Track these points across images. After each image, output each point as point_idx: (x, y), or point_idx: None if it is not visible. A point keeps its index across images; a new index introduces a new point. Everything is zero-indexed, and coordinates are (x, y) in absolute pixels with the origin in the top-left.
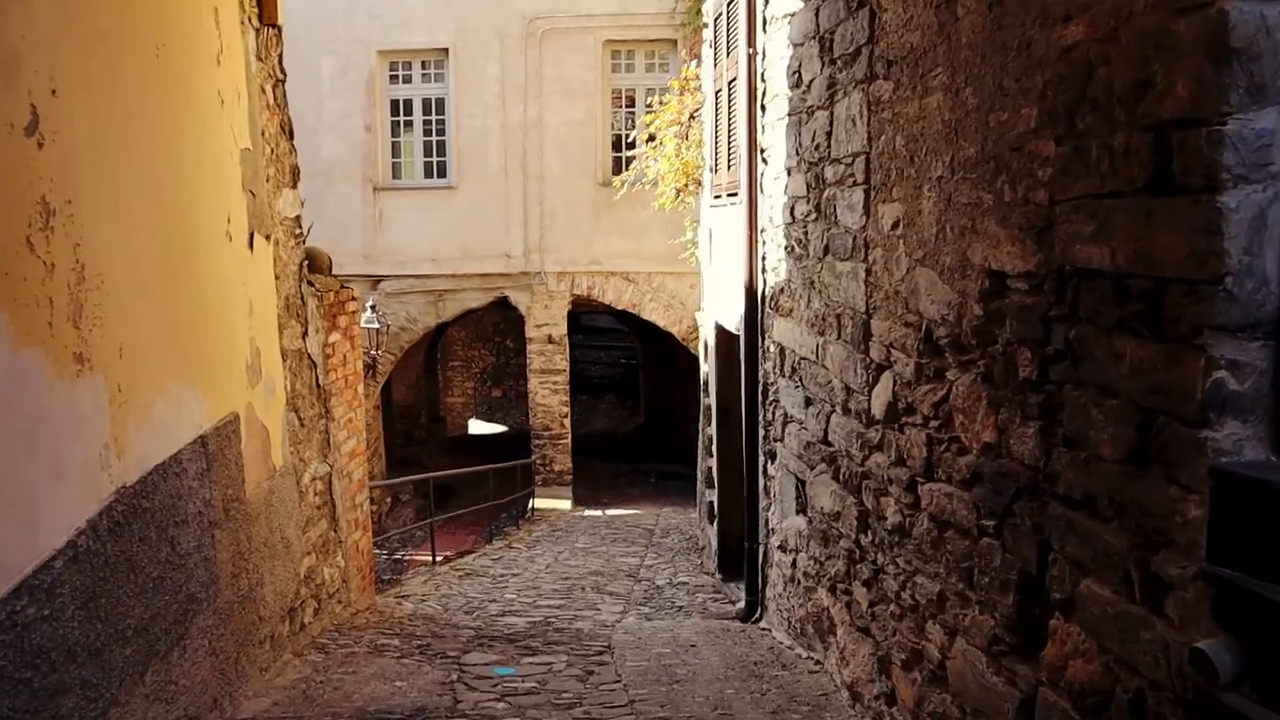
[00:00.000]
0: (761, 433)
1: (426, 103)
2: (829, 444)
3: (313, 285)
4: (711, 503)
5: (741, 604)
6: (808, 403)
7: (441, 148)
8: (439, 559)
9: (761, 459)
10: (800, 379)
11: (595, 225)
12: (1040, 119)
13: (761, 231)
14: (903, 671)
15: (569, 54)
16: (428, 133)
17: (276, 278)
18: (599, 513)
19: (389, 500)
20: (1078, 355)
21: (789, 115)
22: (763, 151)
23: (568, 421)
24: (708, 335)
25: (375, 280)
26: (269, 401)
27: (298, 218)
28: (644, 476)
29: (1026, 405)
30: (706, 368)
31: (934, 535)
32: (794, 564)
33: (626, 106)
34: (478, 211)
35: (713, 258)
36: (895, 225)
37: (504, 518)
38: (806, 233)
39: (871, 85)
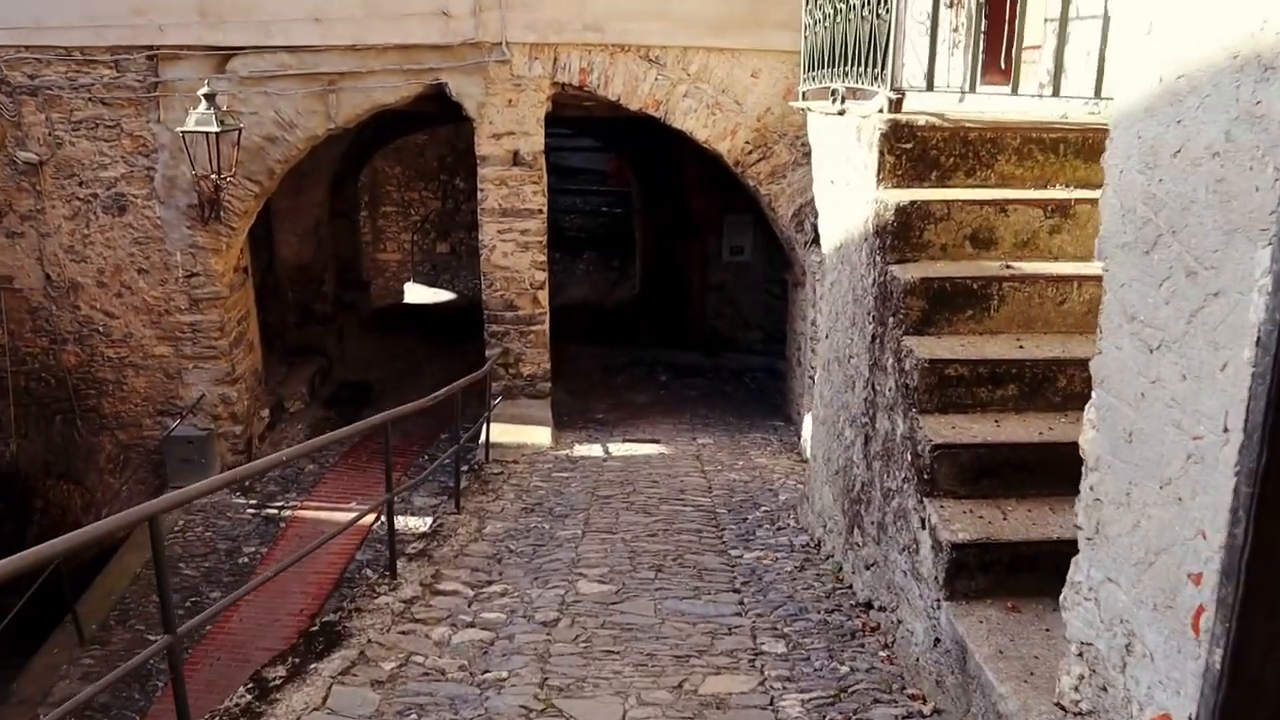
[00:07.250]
0: None
1: None
2: None
3: None
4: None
5: None
6: None
7: None
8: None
9: None
10: None
11: None
12: None
13: None
14: None
15: None
16: None
17: None
18: (599, 451)
19: (267, 413)
20: None
21: None
22: None
23: (544, 296)
24: None
25: (223, 55)
26: None
27: None
28: (650, 372)
29: None
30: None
31: None
32: None
33: None
34: None
35: None
36: None
37: (440, 452)
38: None
39: None
